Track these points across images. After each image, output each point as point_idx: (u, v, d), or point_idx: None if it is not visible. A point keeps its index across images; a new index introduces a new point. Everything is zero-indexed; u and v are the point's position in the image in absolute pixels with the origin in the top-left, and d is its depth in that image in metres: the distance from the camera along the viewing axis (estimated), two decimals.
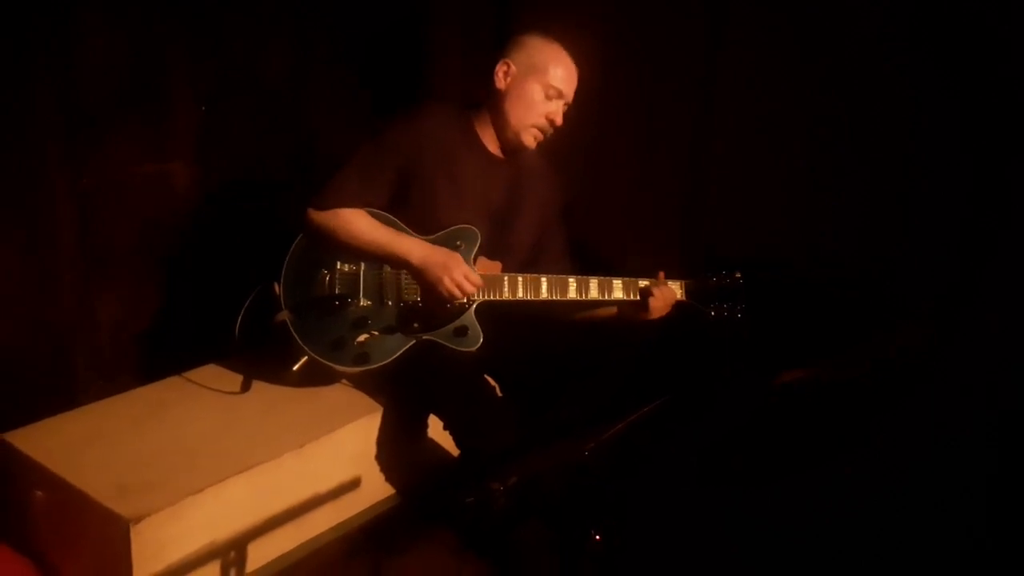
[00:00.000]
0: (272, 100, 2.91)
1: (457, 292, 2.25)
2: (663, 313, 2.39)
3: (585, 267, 2.51)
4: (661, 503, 2.41)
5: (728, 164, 2.93)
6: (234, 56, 2.78)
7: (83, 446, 2.13)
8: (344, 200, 2.28)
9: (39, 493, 2.07)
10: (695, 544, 2.28)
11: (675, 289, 2.44)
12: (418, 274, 2.29)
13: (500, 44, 2.42)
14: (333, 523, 2.30)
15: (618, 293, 2.40)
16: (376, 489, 2.39)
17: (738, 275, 2.47)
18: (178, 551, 1.95)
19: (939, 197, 2.54)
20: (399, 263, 2.30)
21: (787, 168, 2.81)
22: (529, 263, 2.48)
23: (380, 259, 2.31)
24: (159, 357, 2.64)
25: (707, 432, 2.50)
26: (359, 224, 2.29)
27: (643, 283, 2.41)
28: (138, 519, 1.86)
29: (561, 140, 2.45)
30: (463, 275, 2.25)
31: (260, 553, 2.12)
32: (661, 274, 2.45)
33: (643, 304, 2.38)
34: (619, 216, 3.18)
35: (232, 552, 2.05)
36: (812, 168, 2.76)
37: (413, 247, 2.28)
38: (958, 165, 2.50)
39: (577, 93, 2.41)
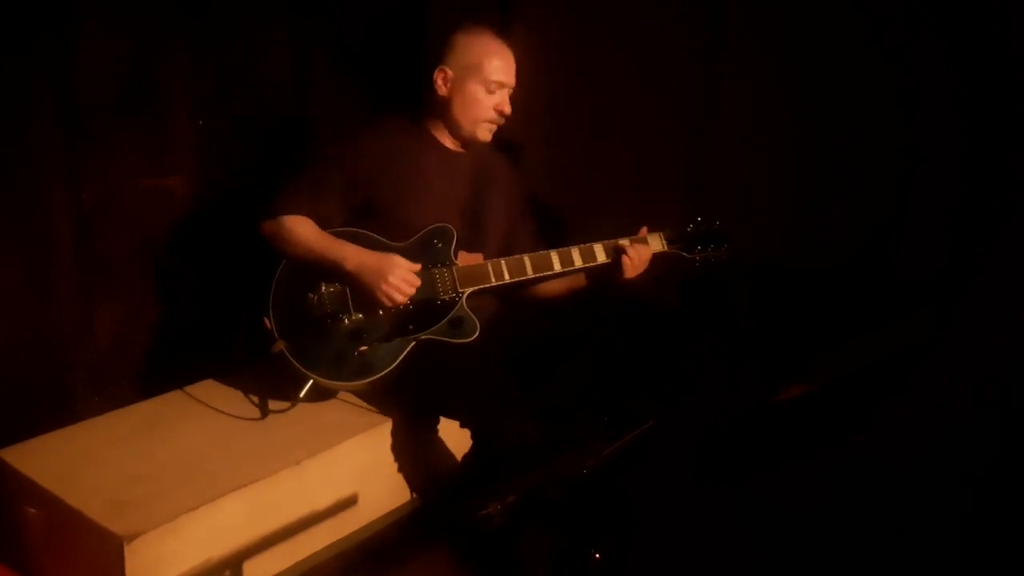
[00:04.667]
0: (271, 111, 2.92)
1: (397, 297, 2.25)
2: (639, 271, 2.40)
3: None
4: (659, 505, 2.40)
5: (727, 162, 2.93)
6: (233, 67, 2.78)
7: (77, 463, 2.11)
8: (289, 208, 2.31)
9: (33, 510, 2.06)
10: (694, 545, 2.27)
11: (655, 240, 2.46)
12: (353, 281, 2.28)
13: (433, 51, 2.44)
14: (330, 541, 2.28)
15: (601, 257, 2.42)
16: (374, 506, 2.37)
17: (717, 221, 2.51)
18: (173, 569, 1.93)
19: (938, 194, 2.54)
20: (335, 270, 2.28)
21: (786, 167, 2.81)
22: (504, 252, 2.49)
23: (319, 267, 2.29)
24: (157, 371, 2.63)
25: (705, 438, 2.49)
26: (299, 231, 2.29)
27: (622, 242, 2.42)
28: (132, 537, 1.84)
29: (559, 143, 2.46)
30: (400, 278, 2.24)
31: (256, 571, 2.10)
32: (643, 229, 2.46)
33: (617, 264, 2.39)
34: (618, 218, 3.17)
35: (228, 571, 2.03)
36: (811, 167, 2.76)
37: (347, 253, 2.27)
38: (957, 160, 2.50)
39: (575, 93, 2.41)
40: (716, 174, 2.96)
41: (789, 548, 2.21)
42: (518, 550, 2.10)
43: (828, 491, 2.31)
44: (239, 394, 2.48)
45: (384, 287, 2.23)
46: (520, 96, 2.45)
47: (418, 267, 2.30)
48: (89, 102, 2.43)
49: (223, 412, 2.40)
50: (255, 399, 2.45)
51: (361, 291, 2.28)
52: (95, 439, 2.24)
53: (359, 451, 2.33)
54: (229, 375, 2.57)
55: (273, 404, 2.42)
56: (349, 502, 2.29)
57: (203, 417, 2.38)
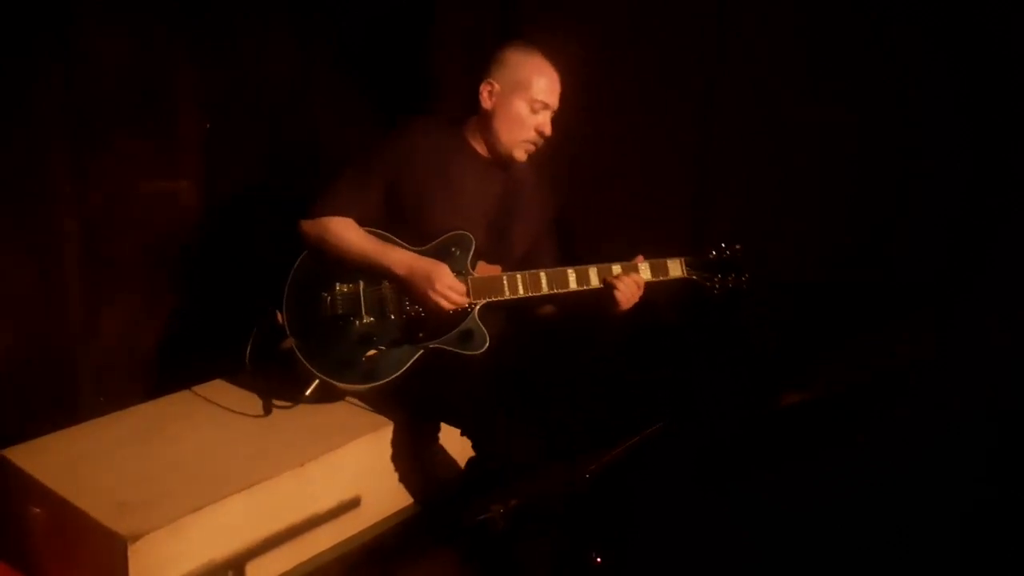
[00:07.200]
0: (277, 114, 2.92)
1: (444, 303, 2.27)
2: (632, 302, 2.34)
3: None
4: (659, 506, 2.40)
5: (727, 162, 2.93)
6: (239, 71, 2.79)
7: (82, 463, 2.12)
8: (333, 209, 2.32)
9: (37, 510, 2.07)
10: (694, 546, 2.27)
11: (675, 266, 2.44)
12: (404, 285, 2.31)
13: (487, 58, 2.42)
14: (333, 543, 2.29)
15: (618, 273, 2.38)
16: (376, 508, 2.38)
17: (738, 247, 2.49)
18: (176, 570, 1.94)
19: (938, 194, 2.54)
20: (385, 274, 2.32)
21: (786, 167, 2.81)
22: (523, 267, 2.47)
23: (367, 270, 2.32)
24: (162, 372, 2.64)
25: (706, 443, 2.49)
26: (346, 234, 2.31)
27: (642, 265, 2.39)
28: (136, 537, 1.85)
29: (562, 147, 2.46)
30: (447, 286, 2.27)
31: (259, 572, 2.11)
32: (639, 257, 2.41)
33: (610, 296, 2.34)
34: (624, 221, 3.17)
35: (230, 572, 2.04)
36: (811, 167, 2.76)
37: (397, 258, 2.31)
38: (957, 160, 2.50)
39: (575, 93, 2.40)
40: (716, 174, 2.96)
41: (789, 548, 2.22)
42: (519, 553, 2.10)
43: (828, 491, 2.31)
44: (244, 395, 2.50)
45: (435, 291, 2.26)
46: None
47: (462, 286, 2.30)
48: (92, 103, 2.44)
49: (229, 410, 2.42)
50: (260, 400, 2.46)
51: (413, 296, 2.31)
52: (100, 439, 2.25)
53: (362, 453, 2.34)
54: (236, 375, 2.57)
55: (278, 402, 2.43)
56: (352, 504, 2.30)
57: (207, 418, 2.39)
